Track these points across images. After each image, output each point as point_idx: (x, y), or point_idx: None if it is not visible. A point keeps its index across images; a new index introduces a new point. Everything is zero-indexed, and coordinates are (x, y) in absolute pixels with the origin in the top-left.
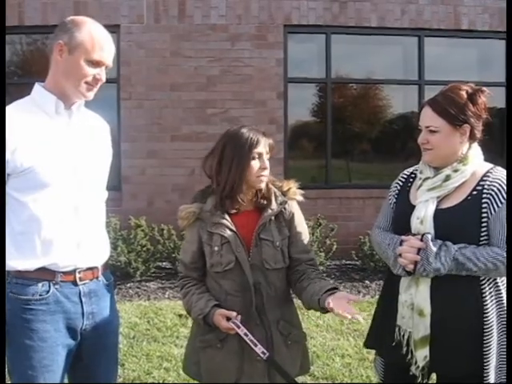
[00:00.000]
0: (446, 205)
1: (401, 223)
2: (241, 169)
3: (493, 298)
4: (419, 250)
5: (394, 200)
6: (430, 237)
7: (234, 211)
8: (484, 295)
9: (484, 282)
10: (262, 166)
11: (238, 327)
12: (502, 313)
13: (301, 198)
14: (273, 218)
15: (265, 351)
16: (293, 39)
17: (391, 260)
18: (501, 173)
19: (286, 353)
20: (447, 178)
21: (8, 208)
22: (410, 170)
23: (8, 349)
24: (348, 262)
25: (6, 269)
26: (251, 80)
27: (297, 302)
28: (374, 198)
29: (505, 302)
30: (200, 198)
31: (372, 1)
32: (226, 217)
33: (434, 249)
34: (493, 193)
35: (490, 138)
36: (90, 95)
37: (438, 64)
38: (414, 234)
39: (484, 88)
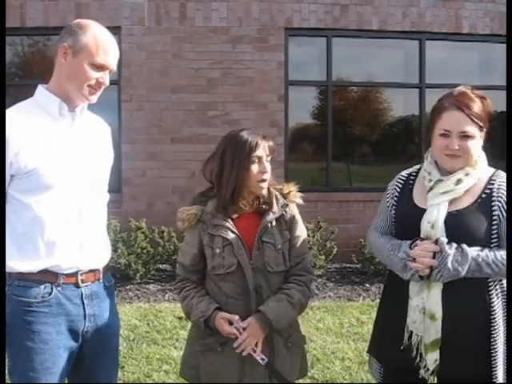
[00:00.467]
0: (454, 208)
1: (404, 226)
2: (241, 172)
3: (499, 299)
4: (434, 254)
5: (394, 202)
6: (445, 240)
7: (236, 215)
8: (491, 297)
9: (491, 283)
10: (262, 170)
11: (240, 333)
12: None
13: (301, 201)
14: (274, 221)
15: (264, 357)
16: (294, 42)
17: (399, 265)
18: (505, 177)
19: (286, 355)
20: (458, 181)
21: (10, 209)
22: (408, 171)
23: (9, 350)
24: (348, 265)
25: (8, 270)
26: (252, 82)
27: None
28: (374, 201)
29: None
30: (200, 200)
31: (373, 4)
32: (228, 219)
33: (451, 252)
34: (503, 196)
35: (490, 141)
36: (93, 99)
37: (438, 67)
38: (422, 239)
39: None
